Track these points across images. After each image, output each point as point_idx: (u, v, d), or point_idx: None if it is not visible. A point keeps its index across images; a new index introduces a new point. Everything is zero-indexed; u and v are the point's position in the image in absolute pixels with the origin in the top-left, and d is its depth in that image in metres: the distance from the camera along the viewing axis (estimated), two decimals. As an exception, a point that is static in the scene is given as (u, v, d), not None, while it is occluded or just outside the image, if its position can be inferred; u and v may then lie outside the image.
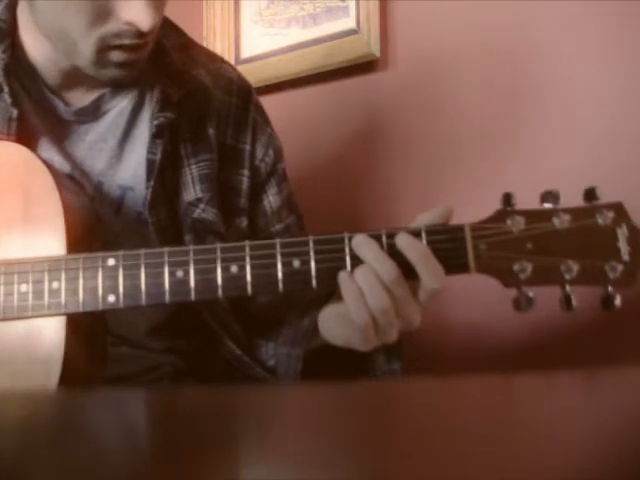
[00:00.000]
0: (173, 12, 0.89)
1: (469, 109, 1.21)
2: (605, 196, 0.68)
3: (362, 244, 0.69)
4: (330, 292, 0.75)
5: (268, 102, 1.02)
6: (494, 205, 0.70)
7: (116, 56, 0.77)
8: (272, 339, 0.88)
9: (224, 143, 0.92)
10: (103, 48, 0.76)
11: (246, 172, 0.94)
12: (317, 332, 0.80)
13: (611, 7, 1.05)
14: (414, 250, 0.68)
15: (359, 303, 0.69)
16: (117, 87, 0.85)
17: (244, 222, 0.93)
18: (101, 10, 0.74)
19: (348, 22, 1.34)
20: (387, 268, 0.68)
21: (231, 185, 0.93)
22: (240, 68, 1.08)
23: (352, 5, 1.34)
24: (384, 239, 0.69)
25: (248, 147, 0.94)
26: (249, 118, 0.95)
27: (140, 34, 0.75)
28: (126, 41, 0.76)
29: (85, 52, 0.77)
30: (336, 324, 0.77)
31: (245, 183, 0.93)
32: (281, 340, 0.86)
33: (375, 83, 1.33)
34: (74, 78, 0.84)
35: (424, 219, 0.71)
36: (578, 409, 0.32)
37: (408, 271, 0.69)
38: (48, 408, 0.39)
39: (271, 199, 0.96)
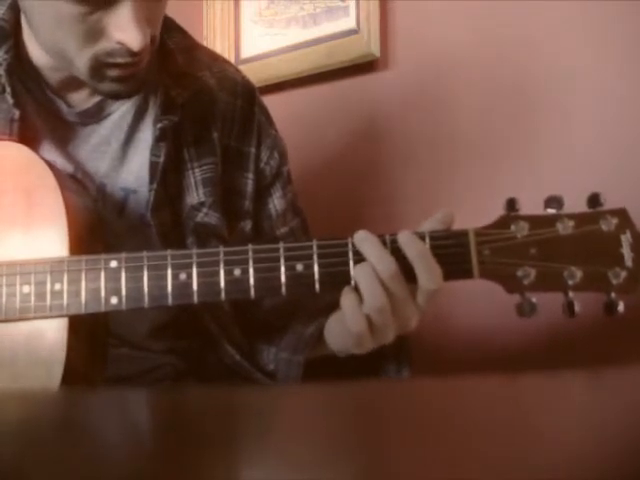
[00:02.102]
0: (173, 12, 0.89)
1: (469, 109, 1.21)
2: (607, 198, 0.68)
3: (363, 240, 0.70)
4: (338, 301, 0.75)
5: (268, 102, 1.02)
6: (493, 204, 0.70)
7: (111, 72, 0.77)
8: (274, 344, 0.88)
9: (228, 145, 0.92)
10: (98, 65, 0.76)
11: (251, 175, 0.94)
12: (323, 340, 0.80)
13: (612, 7, 1.05)
14: (414, 247, 0.69)
15: (354, 309, 0.70)
16: (118, 99, 0.85)
17: (248, 225, 0.93)
18: (92, 30, 0.73)
19: (348, 22, 1.34)
20: (386, 263, 0.68)
21: (236, 188, 0.93)
22: (240, 68, 1.07)
23: (352, 5, 1.34)
24: (389, 246, 0.70)
25: (253, 150, 0.94)
26: (254, 120, 0.95)
27: (132, 53, 0.74)
28: (119, 59, 0.75)
29: (81, 68, 0.76)
30: (335, 329, 0.78)
31: (250, 186, 0.93)
32: (283, 345, 0.86)
33: (375, 83, 1.33)
34: (77, 81, 0.83)
35: (426, 226, 0.71)
36: (581, 408, 0.32)
37: (407, 275, 0.69)
38: (49, 408, 0.39)
39: (276, 202, 0.96)
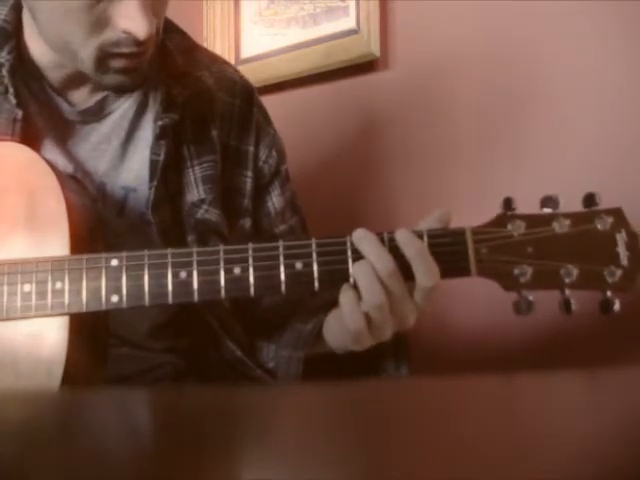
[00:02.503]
0: (173, 12, 0.89)
1: (468, 109, 1.21)
2: (604, 199, 0.69)
3: (362, 238, 0.70)
4: (337, 298, 0.76)
5: (268, 102, 1.02)
6: (492, 204, 0.70)
7: (116, 63, 0.77)
8: (274, 341, 0.88)
9: (227, 144, 0.93)
10: (103, 56, 0.76)
11: (249, 173, 0.94)
12: (322, 337, 0.80)
13: (612, 7, 1.05)
14: (412, 245, 0.69)
15: (353, 306, 0.70)
16: (121, 93, 0.85)
17: (248, 223, 0.93)
18: (98, 20, 0.74)
19: (348, 22, 1.34)
20: (384, 261, 0.69)
21: (235, 186, 0.93)
22: (240, 68, 1.08)
23: (352, 5, 1.34)
24: (387, 244, 0.70)
25: (252, 148, 0.95)
26: (252, 120, 0.96)
27: (138, 42, 0.75)
28: (124, 49, 0.76)
29: (86, 60, 0.77)
30: (334, 327, 0.78)
31: (249, 184, 0.94)
32: (283, 342, 0.86)
33: (375, 83, 1.33)
34: (78, 79, 0.84)
35: (424, 225, 0.72)
36: (579, 408, 0.32)
37: (405, 272, 0.69)
38: (49, 408, 0.39)
39: (275, 200, 0.97)
